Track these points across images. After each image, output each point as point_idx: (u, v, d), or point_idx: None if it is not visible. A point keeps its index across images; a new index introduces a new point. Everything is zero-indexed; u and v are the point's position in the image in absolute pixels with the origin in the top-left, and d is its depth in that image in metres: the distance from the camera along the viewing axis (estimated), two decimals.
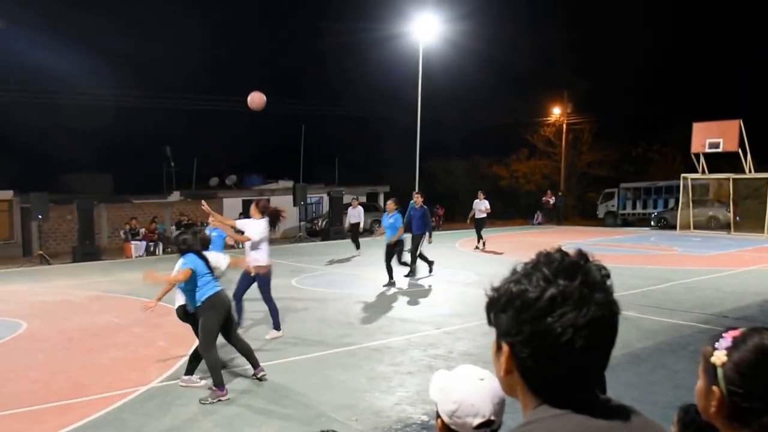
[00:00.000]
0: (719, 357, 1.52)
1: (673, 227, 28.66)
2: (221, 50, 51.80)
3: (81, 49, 40.13)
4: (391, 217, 13.86)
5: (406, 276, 14.64)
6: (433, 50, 30.66)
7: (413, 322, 10.37)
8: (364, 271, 16.32)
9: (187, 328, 7.70)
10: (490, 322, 1.30)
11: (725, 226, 27.03)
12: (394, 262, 14.01)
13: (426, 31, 28.88)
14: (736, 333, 1.55)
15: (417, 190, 16.90)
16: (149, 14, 49.90)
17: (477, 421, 1.92)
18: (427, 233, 14.77)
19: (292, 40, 64.68)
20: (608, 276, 1.23)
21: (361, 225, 21.54)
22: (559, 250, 1.25)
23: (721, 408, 1.52)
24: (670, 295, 11.97)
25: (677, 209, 30.42)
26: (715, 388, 1.52)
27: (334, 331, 9.93)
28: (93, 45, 41.84)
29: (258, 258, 9.16)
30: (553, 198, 34.48)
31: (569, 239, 23.64)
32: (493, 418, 1.93)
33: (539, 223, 34.43)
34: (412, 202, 15.12)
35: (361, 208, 21.29)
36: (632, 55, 45.54)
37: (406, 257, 14.66)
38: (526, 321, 1.19)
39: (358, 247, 20.31)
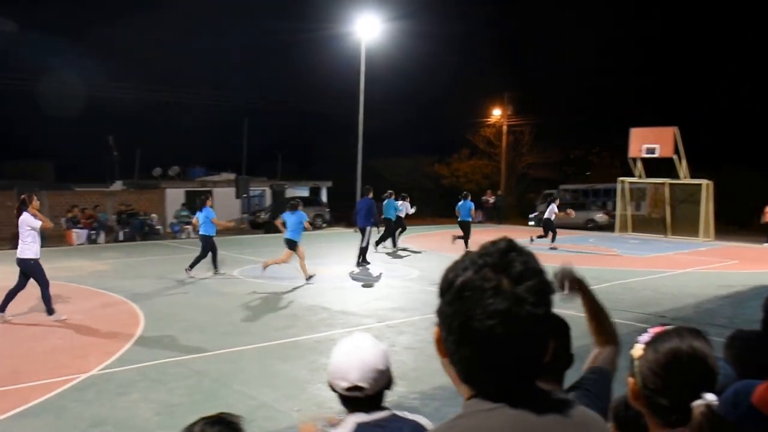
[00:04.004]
0: (636, 350, 1.60)
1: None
2: (167, 43, 50.87)
3: (24, 32, 39.07)
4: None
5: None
6: (375, 49, 30.81)
7: (356, 316, 10.49)
8: (306, 263, 16.36)
9: (130, 316, 7.67)
10: None
11: (601, 228, 28.92)
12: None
13: (368, 31, 29.01)
14: (658, 330, 1.60)
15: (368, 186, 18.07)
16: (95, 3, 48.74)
17: (344, 384, 2.01)
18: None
19: (238, 36, 63.98)
20: (535, 270, 1.21)
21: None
22: (497, 241, 1.26)
23: (636, 398, 1.61)
24: (608, 295, 11.99)
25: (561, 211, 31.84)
26: (631, 378, 1.61)
27: (277, 322, 9.99)
28: (39, 28, 40.79)
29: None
30: (493, 197, 35.04)
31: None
32: (360, 384, 1.99)
33: (479, 222, 34.87)
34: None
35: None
36: (574, 59, 46.61)
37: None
38: (444, 303, 1.23)
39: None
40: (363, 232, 16.40)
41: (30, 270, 9.79)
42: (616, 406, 2.20)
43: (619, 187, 28.53)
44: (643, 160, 27.04)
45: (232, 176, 32.93)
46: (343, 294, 12.55)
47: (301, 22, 53.16)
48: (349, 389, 2.02)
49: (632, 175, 27.86)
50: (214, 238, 14.62)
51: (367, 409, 2.06)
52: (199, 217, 14.73)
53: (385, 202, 19.81)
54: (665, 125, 25.60)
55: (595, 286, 2.22)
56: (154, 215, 26.67)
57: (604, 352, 2.02)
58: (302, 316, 10.48)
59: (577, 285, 2.06)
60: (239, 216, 29.36)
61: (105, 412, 6.14)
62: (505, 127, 42.91)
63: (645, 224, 28.76)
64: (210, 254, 14.60)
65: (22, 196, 10.04)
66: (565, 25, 51.25)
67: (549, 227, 20.95)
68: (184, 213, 26.97)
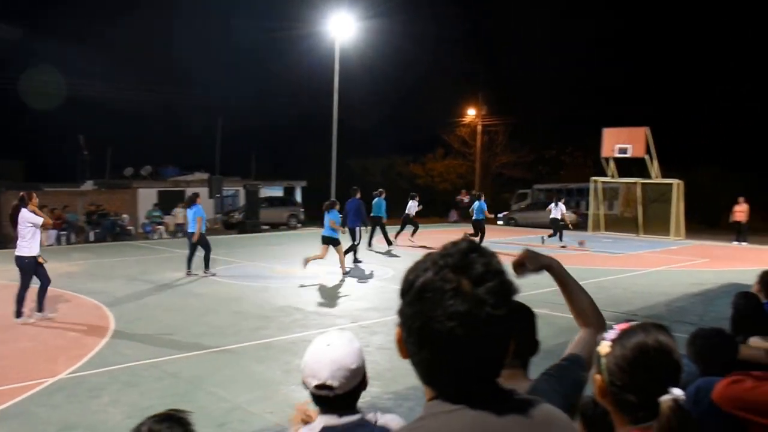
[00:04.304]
0: (603, 347, 1.60)
1: (523, 226, 30.50)
2: (139, 42, 50.33)
3: None
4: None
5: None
6: (349, 49, 30.77)
7: (330, 316, 10.46)
8: (280, 264, 16.30)
9: (101, 318, 7.56)
10: None
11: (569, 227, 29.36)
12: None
13: (342, 30, 28.95)
14: (624, 326, 1.61)
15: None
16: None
17: (314, 382, 2.02)
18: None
19: (211, 35, 63.40)
20: (495, 272, 1.20)
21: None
22: (458, 241, 1.26)
23: (603, 395, 1.61)
24: None
25: (527, 210, 32.75)
26: (597, 376, 1.61)
27: (250, 323, 9.92)
28: (10, 26, 40.01)
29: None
30: (468, 197, 35.17)
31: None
32: (329, 383, 2.00)
33: (455, 221, 35.03)
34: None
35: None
36: (548, 59, 47.04)
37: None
38: (405, 304, 1.23)
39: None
40: (353, 232, 16.66)
41: (22, 267, 9.79)
42: (584, 404, 2.21)
43: (592, 186, 28.77)
44: (616, 159, 27.31)
45: (205, 176, 32.70)
46: (317, 294, 12.49)
47: (274, 21, 52.94)
48: (318, 387, 2.02)
49: (605, 175, 28.10)
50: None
51: (339, 410, 2.04)
52: (188, 214, 14.80)
53: (375, 200, 20.03)
54: (637, 125, 25.89)
55: None
56: (125, 216, 26.35)
57: (583, 338, 2.02)
58: (276, 317, 10.41)
59: (538, 264, 2.02)
60: (212, 216, 29.17)
61: (74, 416, 6.04)
62: (479, 127, 43.16)
63: (617, 223, 29.17)
64: (189, 252, 14.67)
65: (21, 194, 10.03)
66: (540, 24, 51.63)
67: (556, 226, 21.70)
68: (156, 213, 26.70)
